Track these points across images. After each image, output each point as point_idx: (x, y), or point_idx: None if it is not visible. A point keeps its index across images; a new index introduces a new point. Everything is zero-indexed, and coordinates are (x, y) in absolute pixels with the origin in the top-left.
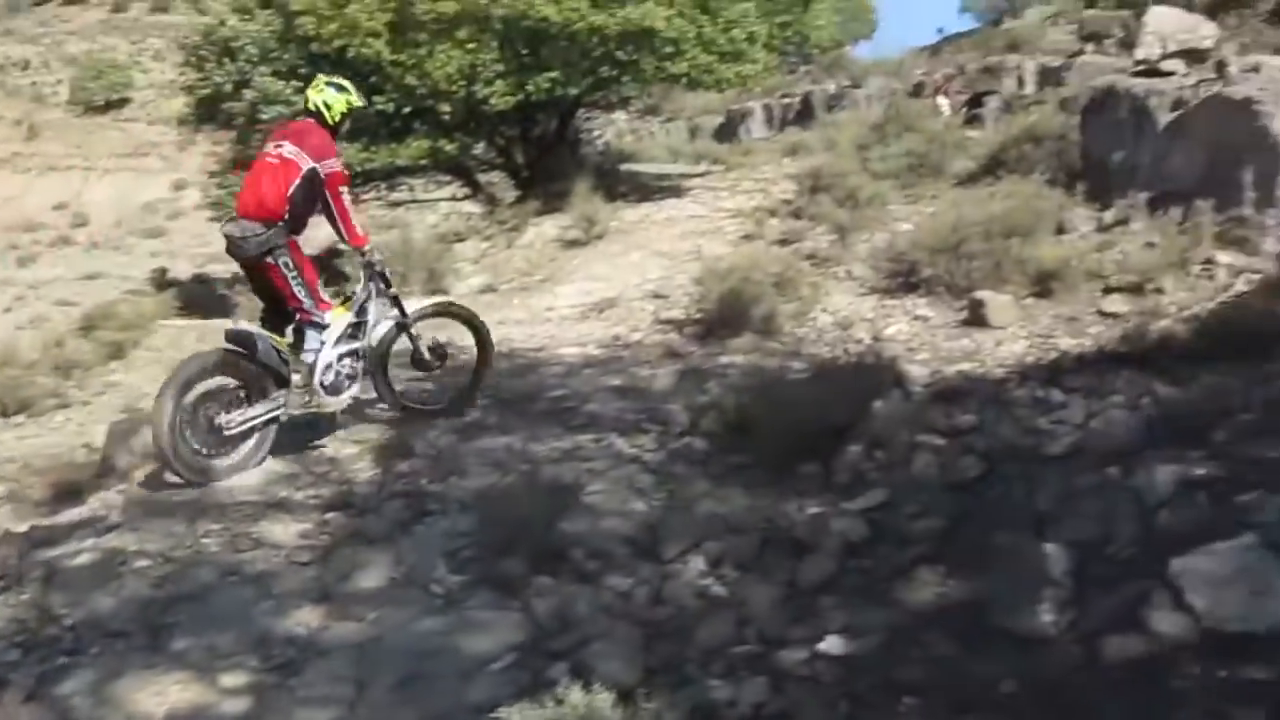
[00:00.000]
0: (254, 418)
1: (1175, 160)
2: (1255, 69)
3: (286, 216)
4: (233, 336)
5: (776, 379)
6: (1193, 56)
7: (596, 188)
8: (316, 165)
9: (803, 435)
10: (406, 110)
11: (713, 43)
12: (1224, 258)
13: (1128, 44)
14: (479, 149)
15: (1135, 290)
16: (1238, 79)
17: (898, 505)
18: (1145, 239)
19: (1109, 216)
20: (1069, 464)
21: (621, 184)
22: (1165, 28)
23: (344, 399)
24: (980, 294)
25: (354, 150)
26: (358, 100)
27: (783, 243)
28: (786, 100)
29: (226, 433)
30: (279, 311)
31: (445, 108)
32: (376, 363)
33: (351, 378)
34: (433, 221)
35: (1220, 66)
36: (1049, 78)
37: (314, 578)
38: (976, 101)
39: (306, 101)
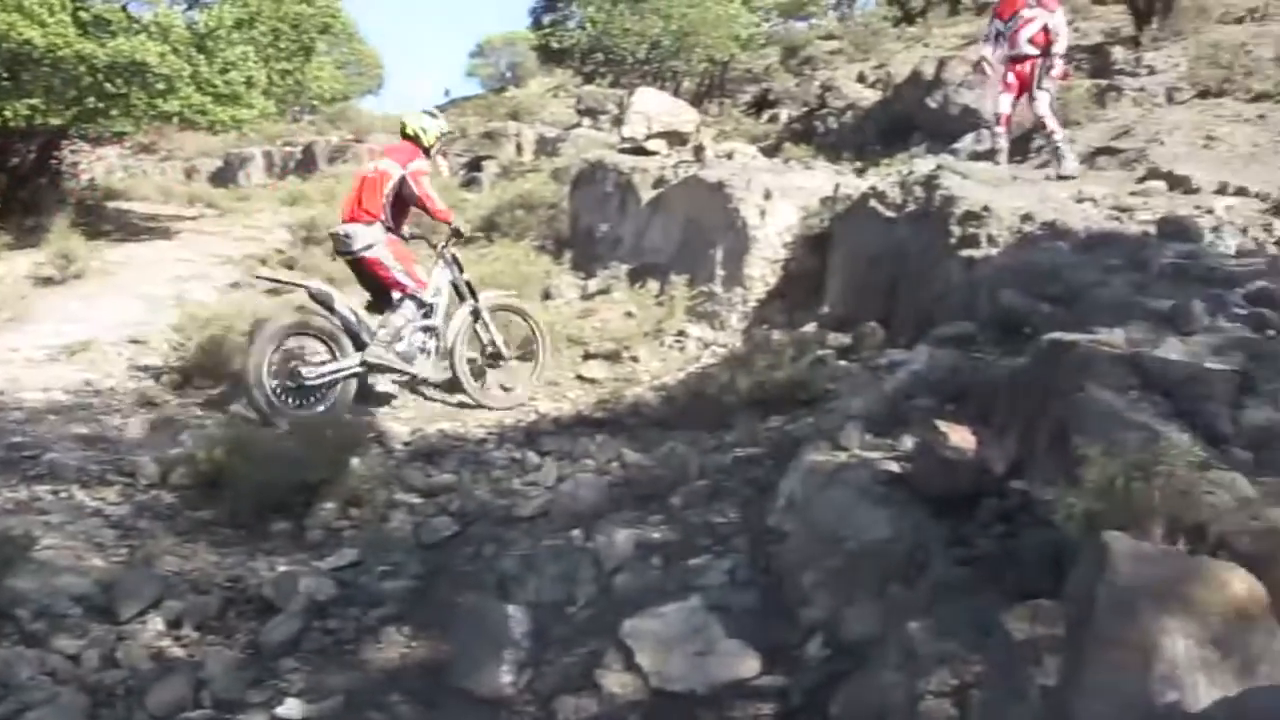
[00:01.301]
0: (333, 372)
1: (655, 235)
2: (729, 155)
3: (383, 216)
4: (314, 294)
5: (253, 432)
6: (675, 138)
7: (78, 225)
8: (404, 170)
9: (276, 491)
10: None
11: (208, 83)
12: (694, 330)
13: (619, 121)
14: None
15: (613, 357)
16: (713, 163)
17: (369, 565)
18: (625, 309)
19: (593, 285)
20: (537, 526)
21: (107, 222)
22: (652, 109)
23: (411, 367)
24: None
25: None
26: (447, 127)
27: (272, 293)
28: (288, 149)
29: (307, 384)
30: (378, 300)
31: None
32: (451, 348)
33: (423, 351)
34: None
35: (699, 150)
36: (546, 147)
37: None
38: (476, 165)
39: (404, 127)
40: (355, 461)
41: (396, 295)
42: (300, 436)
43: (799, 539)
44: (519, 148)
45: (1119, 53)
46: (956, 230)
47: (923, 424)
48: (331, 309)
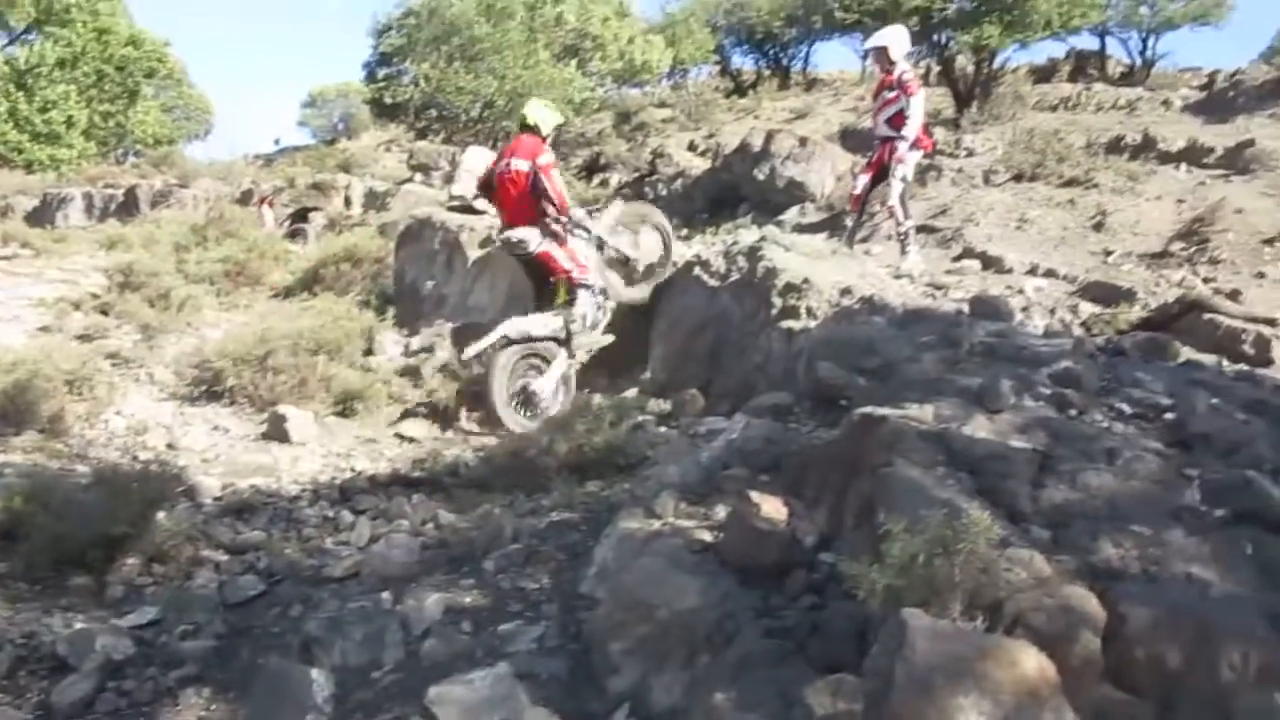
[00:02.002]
0: (558, 378)
1: (480, 294)
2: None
3: (537, 214)
4: (512, 338)
5: (55, 482)
6: None
7: None
8: (533, 163)
9: (76, 543)
10: None
11: (27, 121)
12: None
13: (450, 178)
14: None
15: (433, 416)
16: None
17: (170, 623)
18: (447, 367)
19: (416, 342)
20: (346, 587)
21: None
22: (482, 168)
23: (605, 339)
24: (283, 409)
25: None
26: (561, 118)
27: (84, 338)
28: (110, 191)
29: (540, 398)
30: (541, 293)
31: None
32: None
33: (601, 319)
34: None
35: None
36: (375, 201)
37: None
38: (302, 216)
39: (524, 119)
40: (161, 515)
41: (567, 285)
42: (105, 487)
43: (610, 607)
44: (348, 200)
45: (940, 134)
46: (778, 301)
47: (736, 494)
48: (533, 338)
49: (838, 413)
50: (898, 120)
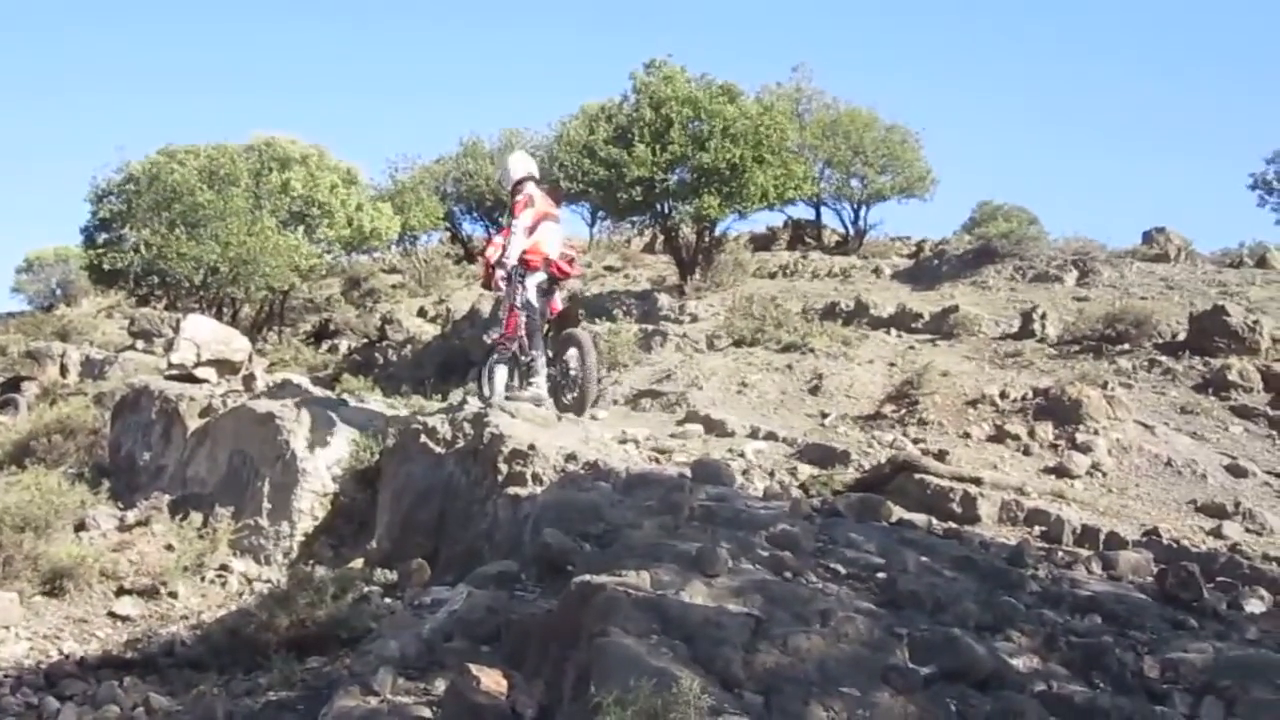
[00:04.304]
0: None
1: (200, 465)
2: (282, 385)
3: None
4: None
5: None
6: (226, 366)
7: None
8: None
9: None
10: None
11: None
12: (238, 565)
13: (171, 345)
14: None
15: (150, 593)
16: (264, 393)
17: None
18: (164, 541)
19: (132, 516)
20: None
21: None
22: (202, 336)
23: None
24: None
25: None
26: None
27: None
28: None
29: None
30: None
31: None
32: None
33: None
34: None
35: (249, 379)
36: (93, 370)
37: None
38: (14, 385)
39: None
40: None
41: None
42: None
43: None
44: (64, 369)
45: (665, 300)
46: (504, 468)
47: (456, 667)
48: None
49: (564, 580)
50: None
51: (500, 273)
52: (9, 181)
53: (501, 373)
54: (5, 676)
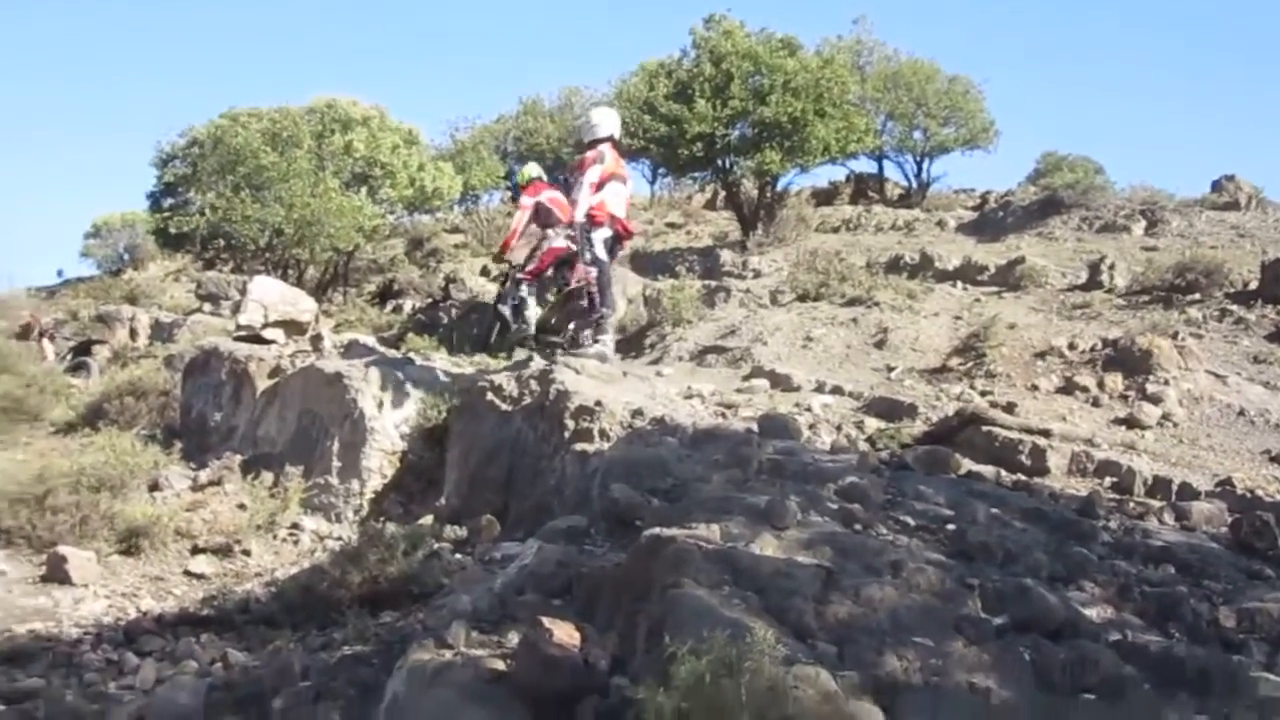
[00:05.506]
0: None
1: (270, 425)
2: (349, 345)
3: None
4: None
5: None
6: (293, 327)
7: None
8: None
9: None
10: None
11: None
12: (310, 523)
13: (239, 308)
14: None
15: (224, 551)
16: (331, 353)
17: None
18: (237, 500)
19: (204, 476)
20: None
21: None
22: (269, 297)
23: None
24: (63, 549)
25: None
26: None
27: None
28: None
29: None
30: None
31: None
32: None
33: None
34: None
35: (316, 340)
36: (162, 333)
37: None
38: (86, 349)
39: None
40: None
41: None
42: None
43: None
44: (133, 332)
45: (727, 256)
46: (570, 424)
47: (529, 620)
48: None
49: (632, 534)
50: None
51: (555, 241)
52: (77, 148)
53: (533, 304)
54: (85, 634)
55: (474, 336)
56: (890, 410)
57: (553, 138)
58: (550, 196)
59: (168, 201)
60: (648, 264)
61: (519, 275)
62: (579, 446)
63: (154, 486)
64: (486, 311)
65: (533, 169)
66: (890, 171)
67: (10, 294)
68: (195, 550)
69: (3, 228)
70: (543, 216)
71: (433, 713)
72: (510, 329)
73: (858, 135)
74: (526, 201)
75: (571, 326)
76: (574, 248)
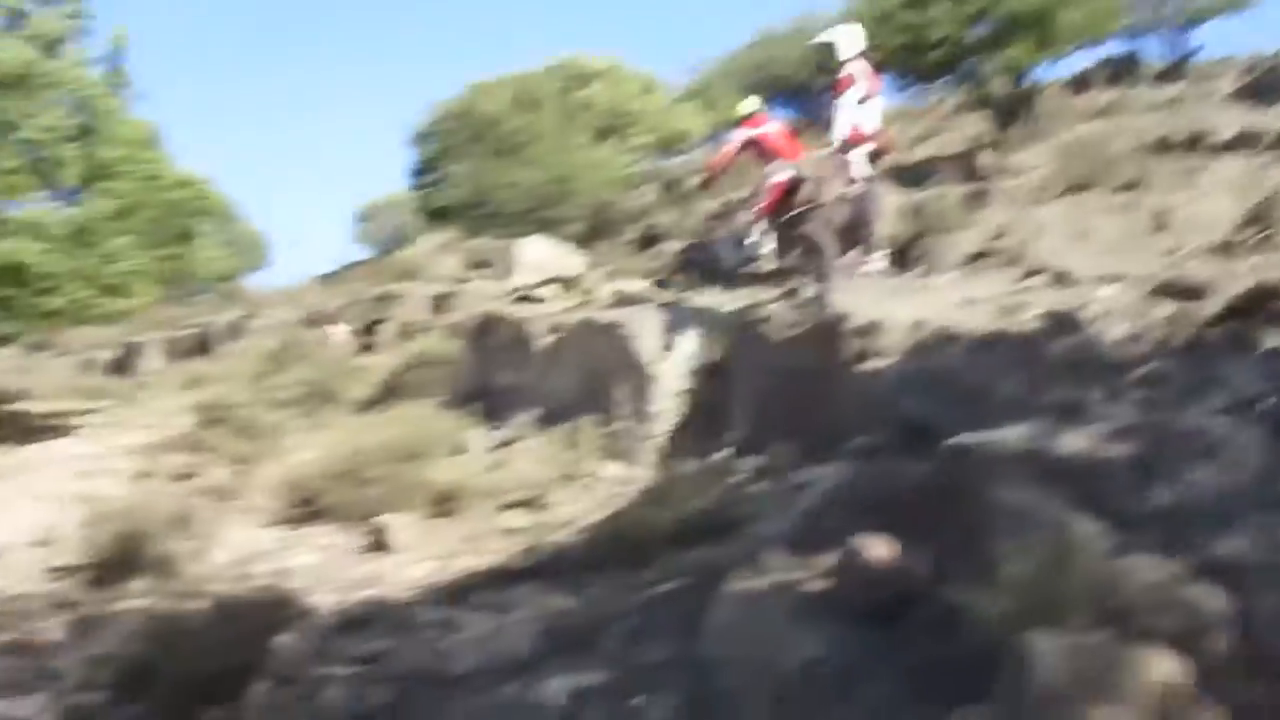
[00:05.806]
0: None
1: (556, 380)
2: (621, 293)
3: None
4: None
5: (174, 622)
6: (564, 283)
7: None
8: None
9: (204, 678)
10: None
11: (95, 277)
12: (607, 470)
13: (509, 272)
14: None
15: (530, 505)
16: (605, 303)
17: None
18: (535, 455)
19: (501, 435)
20: (473, 682)
21: (1, 425)
22: (537, 257)
23: None
24: (382, 519)
25: None
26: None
27: (180, 478)
28: (184, 331)
29: None
30: None
31: None
32: None
33: None
34: None
35: (587, 293)
36: (439, 304)
37: None
38: (370, 329)
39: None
40: (280, 639)
41: None
42: (222, 620)
43: (733, 668)
44: (413, 307)
45: (985, 158)
46: (851, 344)
47: (842, 539)
48: None
49: (928, 446)
50: None
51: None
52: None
53: (770, 240)
54: (414, 595)
55: (724, 271)
56: (1179, 293)
57: (791, 65)
58: (763, 132)
59: (428, 178)
60: (906, 176)
61: (750, 213)
62: (862, 366)
63: (456, 450)
64: (727, 246)
65: (750, 103)
66: (1146, 50)
67: (295, 286)
68: (504, 506)
69: (279, 224)
70: (762, 151)
71: (759, 637)
72: (751, 262)
73: (1108, 15)
74: (736, 135)
75: (838, 249)
76: (800, 178)
